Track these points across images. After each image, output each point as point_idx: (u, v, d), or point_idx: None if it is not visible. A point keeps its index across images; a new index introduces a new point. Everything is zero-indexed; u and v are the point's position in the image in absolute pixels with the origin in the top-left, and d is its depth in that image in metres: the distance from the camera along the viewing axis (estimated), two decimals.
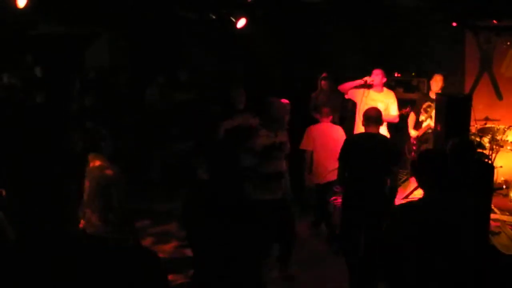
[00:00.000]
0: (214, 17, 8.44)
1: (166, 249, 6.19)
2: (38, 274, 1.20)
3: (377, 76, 7.12)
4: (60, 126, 1.24)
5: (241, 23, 8.38)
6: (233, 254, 3.22)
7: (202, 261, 3.37)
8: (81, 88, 8.48)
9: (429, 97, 7.83)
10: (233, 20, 8.33)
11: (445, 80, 7.83)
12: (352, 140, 5.70)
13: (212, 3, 8.32)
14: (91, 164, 3.74)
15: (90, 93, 8.43)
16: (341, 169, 5.39)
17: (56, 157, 1.10)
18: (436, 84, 7.75)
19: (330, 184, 6.71)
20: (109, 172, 3.74)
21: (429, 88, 8.09)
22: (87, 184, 3.66)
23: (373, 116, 5.31)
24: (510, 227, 6.27)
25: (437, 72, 7.93)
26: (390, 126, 7.37)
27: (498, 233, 5.54)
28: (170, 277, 4.54)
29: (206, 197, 3.38)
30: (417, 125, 7.96)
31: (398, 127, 8.03)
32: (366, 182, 5.13)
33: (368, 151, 5.17)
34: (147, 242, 6.26)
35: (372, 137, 5.28)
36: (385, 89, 7.33)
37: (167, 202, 7.51)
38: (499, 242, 5.27)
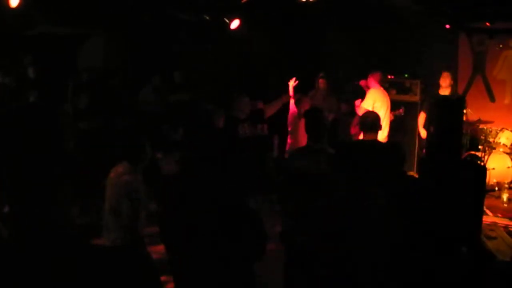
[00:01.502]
0: (207, 18, 8.43)
1: (158, 250, 6.16)
2: (38, 275, 1.21)
3: None
4: (58, 126, 1.24)
5: (235, 24, 8.37)
6: (222, 254, 3.21)
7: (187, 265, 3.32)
8: (76, 89, 8.44)
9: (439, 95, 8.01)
10: (227, 21, 8.33)
11: (452, 77, 8.25)
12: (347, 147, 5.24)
13: (208, 4, 8.31)
14: (115, 172, 3.81)
15: (84, 94, 8.40)
16: None
17: (56, 158, 1.10)
18: (444, 80, 8.14)
19: None
20: (130, 179, 3.83)
21: (438, 87, 8.31)
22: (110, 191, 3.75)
23: (368, 122, 4.96)
24: (502, 228, 6.30)
25: (431, 75, 8.07)
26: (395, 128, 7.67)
27: (495, 238, 5.55)
28: (162, 278, 4.53)
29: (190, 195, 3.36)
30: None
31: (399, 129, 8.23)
32: None
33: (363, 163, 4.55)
34: None
35: (370, 146, 4.84)
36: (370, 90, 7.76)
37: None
38: (495, 247, 5.29)
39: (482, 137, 8.24)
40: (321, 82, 8.69)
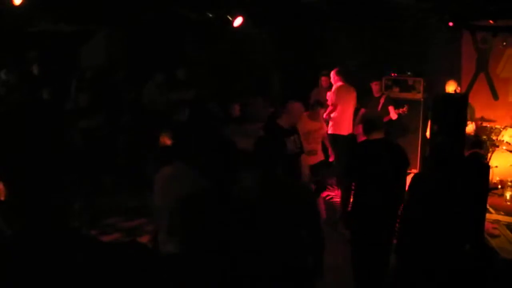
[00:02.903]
0: (211, 15, 8.44)
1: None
2: (38, 272, 1.21)
3: None
4: (59, 125, 1.24)
5: (238, 21, 8.39)
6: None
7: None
8: (78, 87, 8.45)
9: None
10: (230, 18, 8.34)
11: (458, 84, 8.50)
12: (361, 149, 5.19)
13: (211, 2, 8.32)
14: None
15: (86, 91, 8.40)
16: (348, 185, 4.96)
17: (56, 156, 1.10)
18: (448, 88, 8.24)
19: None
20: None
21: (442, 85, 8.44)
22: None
23: (374, 122, 4.97)
24: (505, 226, 6.30)
25: (434, 73, 8.08)
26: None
27: (498, 236, 5.57)
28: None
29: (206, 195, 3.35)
30: None
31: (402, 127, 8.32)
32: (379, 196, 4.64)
33: (380, 161, 4.71)
34: (144, 239, 6.25)
35: (383, 145, 4.86)
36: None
37: None
38: (498, 245, 5.30)
39: (485, 135, 8.23)
40: (324, 80, 8.70)
